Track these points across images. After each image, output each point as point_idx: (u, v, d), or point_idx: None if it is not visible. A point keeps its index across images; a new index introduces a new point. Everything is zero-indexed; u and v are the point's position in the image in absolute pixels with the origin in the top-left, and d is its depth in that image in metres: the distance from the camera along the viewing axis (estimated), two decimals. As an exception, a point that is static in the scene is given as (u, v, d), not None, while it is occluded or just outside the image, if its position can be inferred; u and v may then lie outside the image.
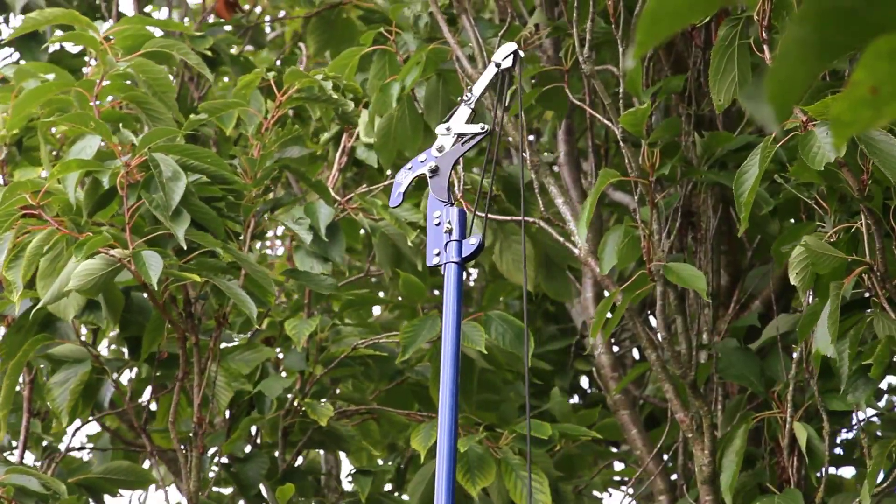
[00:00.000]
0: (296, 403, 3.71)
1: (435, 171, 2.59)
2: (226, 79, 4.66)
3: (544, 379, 4.35)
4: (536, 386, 4.29)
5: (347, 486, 4.24)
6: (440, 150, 2.61)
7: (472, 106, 2.64)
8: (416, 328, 3.55)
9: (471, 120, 2.63)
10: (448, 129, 2.62)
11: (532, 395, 4.26)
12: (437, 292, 4.58)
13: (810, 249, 2.92)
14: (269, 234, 5.32)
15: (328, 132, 4.14)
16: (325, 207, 3.55)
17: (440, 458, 2.33)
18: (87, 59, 4.37)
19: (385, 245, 3.76)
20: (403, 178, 2.64)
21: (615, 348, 3.93)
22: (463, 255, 2.48)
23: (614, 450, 4.60)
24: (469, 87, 2.73)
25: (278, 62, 5.03)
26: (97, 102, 3.35)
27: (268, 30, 5.37)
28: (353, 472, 3.84)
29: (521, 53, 2.67)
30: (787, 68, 1.02)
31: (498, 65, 2.66)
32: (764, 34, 2.90)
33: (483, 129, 2.60)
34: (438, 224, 2.51)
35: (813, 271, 2.94)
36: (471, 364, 3.78)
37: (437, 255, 2.49)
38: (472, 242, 2.48)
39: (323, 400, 3.71)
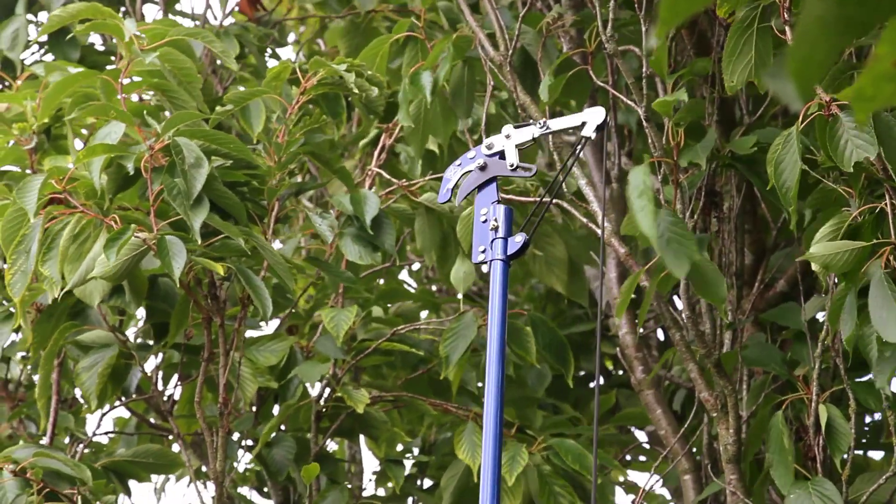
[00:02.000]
0: (328, 391, 3.72)
1: (483, 168, 2.61)
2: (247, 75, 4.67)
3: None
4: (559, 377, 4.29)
5: (368, 474, 4.26)
6: (490, 147, 2.63)
7: (537, 135, 2.64)
8: (455, 333, 3.55)
9: (529, 145, 2.63)
10: (508, 136, 2.64)
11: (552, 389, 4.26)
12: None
13: (822, 256, 2.91)
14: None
15: (366, 138, 4.15)
16: (371, 197, 3.55)
17: (485, 464, 2.32)
18: (113, 58, 4.39)
19: (430, 229, 3.76)
20: (452, 174, 2.66)
21: (639, 329, 3.93)
22: (508, 253, 2.50)
23: (639, 433, 4.61)
24: (546, 120, 2.69)
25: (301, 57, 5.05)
26: (123, 96, 3.37)
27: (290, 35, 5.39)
28: (385, 461, 3.85)
29: (610, 123, 2.65)
30: (808, 46, 1.03)
31: (582, 125, 2.62)
32: (786, 15, 2.90)
33: (530, 172, 2.61)
34: (485, 221, 2.54)
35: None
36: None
37: (483, 252, 2.51)
38: (517, 240, 2.50)
39: (361, 388, 3.72)
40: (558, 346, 3.58)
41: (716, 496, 3.71)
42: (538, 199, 2.61)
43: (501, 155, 2.63)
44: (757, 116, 3.79)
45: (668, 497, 4.15)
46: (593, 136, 2.61)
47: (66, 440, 3.81)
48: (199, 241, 3.11)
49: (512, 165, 2.62)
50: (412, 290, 4.51)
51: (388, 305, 4.16)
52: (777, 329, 3.71)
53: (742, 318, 3.72)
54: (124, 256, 3.10)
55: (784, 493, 3.17)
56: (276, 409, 3.82)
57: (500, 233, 2.52)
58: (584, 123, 2.63)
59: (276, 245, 4.19)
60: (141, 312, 3.76)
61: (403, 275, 5.00)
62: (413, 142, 3.81)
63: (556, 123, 2.65)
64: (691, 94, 4.01)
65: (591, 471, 3.48)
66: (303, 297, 3.91)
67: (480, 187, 2.60)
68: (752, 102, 3.89)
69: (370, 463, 5.38)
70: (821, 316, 3.54)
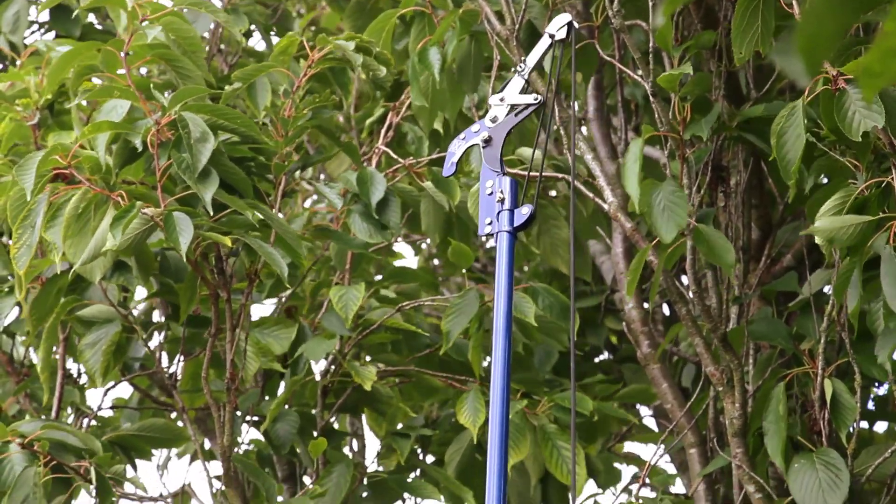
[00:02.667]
0: (334, 367, 3.72)
1: (488, 142, 2.62)
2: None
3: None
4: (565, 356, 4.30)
5: (371, 450, 4.27)
6: (493, 120, 2.64)
7: (526, 76, 2.65)
8: (457, 309, 3.56)
9: (524, 90, 2.64)
10: (502, 99, 2.65)
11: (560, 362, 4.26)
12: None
13: (826, 230, 2.91)
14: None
15: (372, 117, 4.15)
16: (378, 176, 3.54)
17: (492, 431, 2.33)
18: (114, 34, 4.38)
19: (434, 211, 3.77)
20: (457, 148, 2.67)
21: (645, 304, 3.93)
22: (515, 225, 2.50)
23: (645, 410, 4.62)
24: (523, 59, 2.74)
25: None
26: (126, 69, 3.36)
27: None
28: (390, 433, 3.86)
29: (576, 25, 2.68)
30: (816, 21, 1.02)
31: (552, 36, 2.68)
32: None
33: (536, 99, 2.62)
34: (491, 194, 2.54)
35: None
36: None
37: (490, 224, 2.52)
38: (524, 212, 2.51)
39: (368, 359, 3.72)
40: (560, 308, 3.58)
41: (721, 469, 3.72)
42: (537, 102, 2.61)
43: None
44: (764, 91, 3.78)
45: (674, 471, 4.16)
46: (564, 34, 2.67)
47: (71, 416, 3.82)
48: (211, 214, 3.11)
49: (516, 108, 2.63)
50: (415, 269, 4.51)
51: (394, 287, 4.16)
52: (783, 301, 3.71)
53: (748, 293, 3.72)
54: (132, 230, 3.10)
55: (775, 461, 3.18)
56: (282, 385, 3.83)
57: (507, 205, 2.52)
58: (552, 37, 2.69)
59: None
60: (138, 294, 3.76)
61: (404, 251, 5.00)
62: (423, 119, 3.81)
63: (532, 56, 2.69)
64: (698, 69, 4.01)
65: (593, 415, 3.51)
66: (306, 278, 3.90)
67: (486, 158, 2.60)
68: (758, 77, 3.88)
69: (373, 439, 5.38)
70: (827, 290, 3.55)
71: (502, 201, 2.53)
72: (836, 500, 3.08)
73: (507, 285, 2.46)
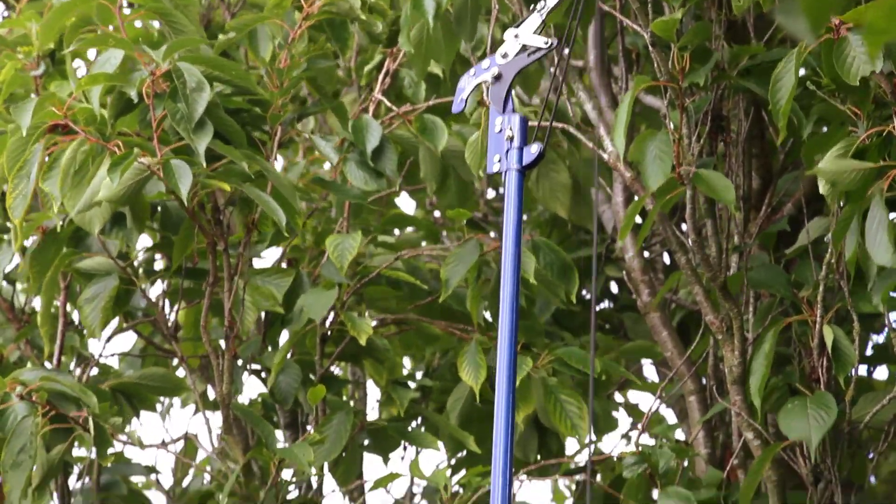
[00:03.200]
0: (332, 315, 3.73)
1: (498, 78, 2.59)
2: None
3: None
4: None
5: (372, 400, 4.30)
6: (504, 56, 2.60)
7: (544, 16, 2.61)
8: (457, 257, 3.56)
9: (540, 31, 2.61)
10: (516, 35, 2.61)
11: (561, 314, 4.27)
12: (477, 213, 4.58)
13: (830, 172, 2.92)
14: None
15: (370, 64, 4.12)
16: (374, 124, 3.53)
17: (500, 380, 2.32)
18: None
19: (431, 160, 3.76)
20: (466, 84, 2.63)
21: (645, 253, 3.93)
22: (524, 163, 2.48)
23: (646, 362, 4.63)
24: None
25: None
26: (122, 22, 3.35)
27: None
28: (390, 383, 3.88)
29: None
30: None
31: None
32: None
33: (549, 44, 2.59)
34: (500, 132, 2.51)
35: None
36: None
37: (499, 161, 2.49)
38: (532, 151, 2.48)
39: (367, 313, 3.72)
40: (561, 266, 3.59)
41: (720, 417, 3.74)
42: (549, 47, 2.58)
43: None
44: (765, 40, 3.77)
45: (674, 419, 4.18)
46: None
47: (73, 362, 3.83)
48: (204, 165, 3.11)
49: (529, 49, 2.60)
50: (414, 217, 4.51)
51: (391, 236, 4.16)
52: (782, 249, 3.72)
53: (749, 242, 3.73)
54: (127, 181, 3.10)
55: (754, 401, 3.20)
56: (283, 334, 3.84)
57: (516, 143, 2.50)
58: None
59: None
60: (141, 243, 3.77)
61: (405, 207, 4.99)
62: (416, 66, 3.80)
63: None
64: (699, 18, 3.99)
65: (600, 375, 3.52)
66: (305, 229, 3.90)
67: (496, 96, 2.57)
68: (760, 26, 3.87)
69: (374, 388, 5.40)
70: (827, 239, 3.55)
71: (511, 139, 2.50)
72: (819, 432, 3.11)
73: (516, 224, 2.44)
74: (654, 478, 3.33)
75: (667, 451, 3.32)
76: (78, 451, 3.48)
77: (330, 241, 3.57)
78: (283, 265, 3.86)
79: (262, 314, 3.78)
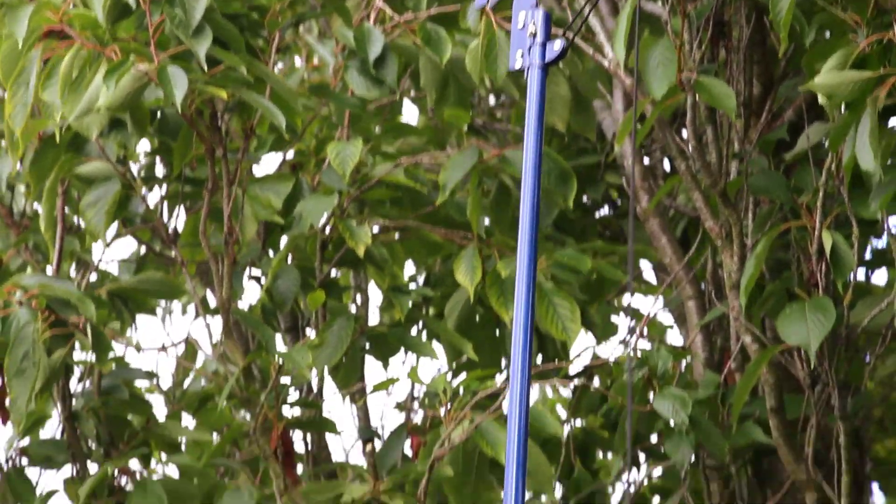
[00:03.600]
0: (333, 222, 3.73)
1: None
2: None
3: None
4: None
5: (374, 304, 4.31)
6: None
7: None
8: (455, 163, 3.56)
9: None
10: None
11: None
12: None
13: (827, 85, 2.91)
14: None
15: None
16: (375, 33, 3.51)
17: (518, 296, 2.30)
18: None
19: (431, 68, 3.74)
20: None
21: (645, 159, 3.93)
22: (547, 60, 2.43)
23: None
24: None
25: None
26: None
27: None
28: (390, 289, 3.89)
29: None
30: None
31: None
32: None
33: None
34: (522, 27, 2.46)
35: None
36: (508, 193, 3.80)
37: (521, 57, 2.44)
38: (556, 47, 2.43)
39: (364, 224, 3.72)
40: (560, 173, 3.59)
41: (718, 322, 3.76)
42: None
43: None
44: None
45: (671, 323, 4.20)
46: None
47: (73, 267, 3.84)
48: (206, 69, 3.10)
49: None
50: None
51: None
52: (781, 153, 3.71)
53: (749, 148, 3.72)
54: (125, 87, 3.10)
55: (741, 301, 3.20)
56: (283, 239, 3.84)
57: (539, 39, 2.45)
58: None
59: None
60: (142, 147, 3.77)
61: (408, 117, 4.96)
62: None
63: None
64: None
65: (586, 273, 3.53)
66: (308, 134, 3.89)
67: None
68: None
69: (375, 294, 5.40)
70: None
71: (534, 35, 2.45)
72: (818, 337, 3.12)
73: (538, 121, 2.37)
74: (652, 381, 3.35)
75: (664, 353, 3.34)
76: (79, 355, 3.51)
77: (331, 148, 3.57)
78: (286, 171, 3.85)
79: (262, 224, 3.78)
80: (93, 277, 3.78)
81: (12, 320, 3.28)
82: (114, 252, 5.76)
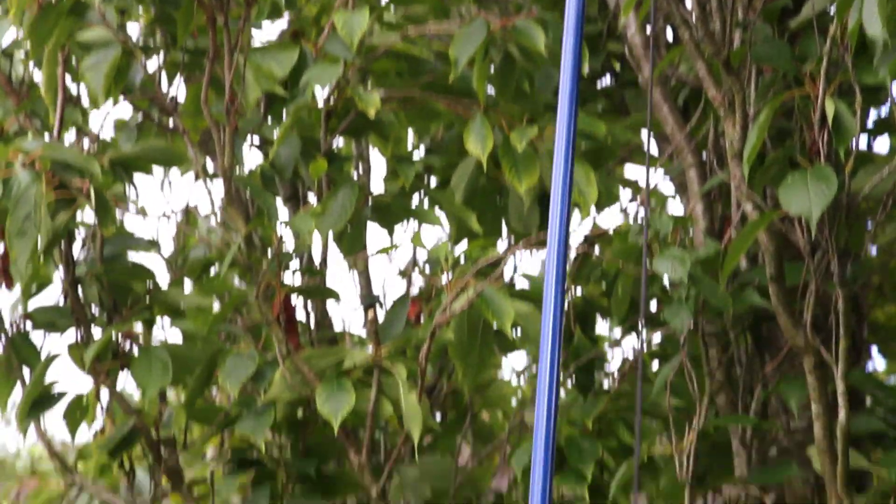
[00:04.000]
0: (338, 92, 3.71)
1: None
2: None
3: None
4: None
5: (378, 174, 4.31)
6: None
7: None
8: (464, 36, 3.52)
9: None
10: None
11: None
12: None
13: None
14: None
15: None
16: None
17: (555, 192, 2.27)
18: None
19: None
20: None
21: (647, 28, 3.90)
22: None
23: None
24: None
25: None
26: None
27: None
28: (394, 158, 3.87)
29: None
30: None
31: None
32: None
33: None
34: None
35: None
36: (513, 63, 3.77)
37: None
38: None
39: (372, 90, 3.70)
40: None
41: (720, 190, 3.76)
42: None
43: None
44: None
45: (672, 192, 4.20)
46: None
47: (73, 136, 3.83)
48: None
49: None
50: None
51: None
52: (785, 21, 3.68)
53: (754, 17, 3.69)
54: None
55: (744, 169, 3.20)
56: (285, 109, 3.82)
57: None
58: None
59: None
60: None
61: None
62: None
63: None
64: None
65: (600, 137, 3.53)
66: (308, 3, 3.84)
67: None
68: None
69: (378, 163, 5.38)
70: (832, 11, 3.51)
71: None
72: (820, 206, 3.12)
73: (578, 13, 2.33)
74: (651, 247, 3.36)
75: (665, 218, 3.34)
76: (82, 218, 3.52)
77: (338, 17, 3.52)
78: (287, 40, 3.81)
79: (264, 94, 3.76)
80: (92, 148, 3.77)
81: (14, 183, 3.28)
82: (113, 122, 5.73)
